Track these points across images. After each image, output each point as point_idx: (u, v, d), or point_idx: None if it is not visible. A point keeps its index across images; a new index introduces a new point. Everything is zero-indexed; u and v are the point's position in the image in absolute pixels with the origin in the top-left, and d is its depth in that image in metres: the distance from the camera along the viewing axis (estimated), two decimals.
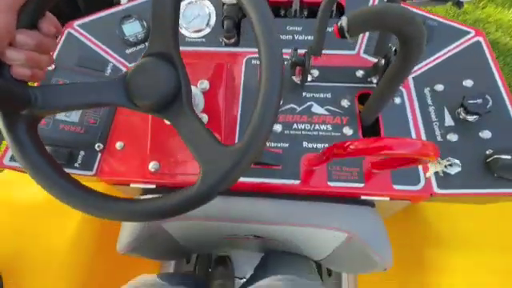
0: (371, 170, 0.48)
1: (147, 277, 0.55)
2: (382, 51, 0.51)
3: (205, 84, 0.50)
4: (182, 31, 0.61)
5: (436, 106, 0.52)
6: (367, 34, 0.60)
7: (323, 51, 0.53)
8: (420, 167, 0.49)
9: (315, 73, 0.56)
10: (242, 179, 0.49)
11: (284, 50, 0.54)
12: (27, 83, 0.33)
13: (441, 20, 0.59)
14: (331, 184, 0.48)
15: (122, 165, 0.52)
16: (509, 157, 0.45)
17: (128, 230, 0.51)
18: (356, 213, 0.50)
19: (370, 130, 0.53)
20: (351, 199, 0.51)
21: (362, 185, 0.48)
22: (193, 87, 0.45)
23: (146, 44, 0.60)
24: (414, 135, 0.51)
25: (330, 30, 0.57)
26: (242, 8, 0.31)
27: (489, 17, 1.74)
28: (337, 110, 0.53)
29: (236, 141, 0.52)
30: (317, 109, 0.54)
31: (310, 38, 0.60)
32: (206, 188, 0.30)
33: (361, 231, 0.48)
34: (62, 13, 0.87)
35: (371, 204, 0.53)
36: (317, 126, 0.52)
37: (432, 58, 0.56)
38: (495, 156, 0.46)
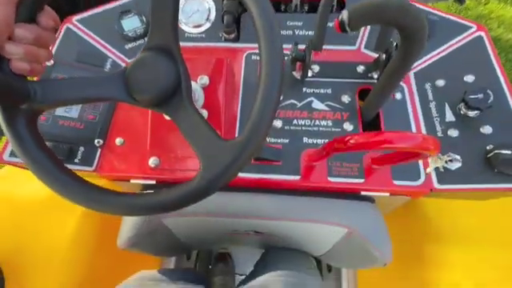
0: (371, 166, 0.48)
1: (147, 272, 0.55)
2: (383, 46, 0.51)
3: (205, 79, 0.50)
4: (182, 26, 0.61)
5: (437, 102, 0.52)
6: (368, 29, 0.59)
7: (324, 46, 0.53)
8: (420, 163, 0.49)
9: (316, 68, 0.56)
10: (242, 175, 0.49)
11: (284, 46, 0.54)
12: (26, 77, 0.33)
13: (442, 15, 0.58)
14: (331, 179, 0.48)
15: (121, 160, 0.52)
16: (509, 152, 0.45)
17: (128, 225, 0.52)
18: (356, 208, 0.50)
19: (371, 125, 0.52)
20: (351, 195, 0.51)
21: (362, 180, 0.48)
22: (192, 83, 0.45)
23: (146, 39, 0.60)
24: (414, 131, 0.51)
25: (330, 25, 0.57)
26: (243, 2, 0.31)
27: (491, 13, 1.73)
28: (337, 106, 0.53)
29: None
30: (317, 104, 0.54)
31: (310, 33, 0.60)
32: (206, 182, 0.30)
33: (361, 227, 0.48)
34: (61, 7, 0.86)
35: (371, 199, 0.53)
36: (317, 122, 0.52)
37: (433, 53, 0.56)
38: (496, 151, 0.46)
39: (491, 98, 0.47)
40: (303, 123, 0.52)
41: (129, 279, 0.52)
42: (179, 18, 0.60)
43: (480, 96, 0.47)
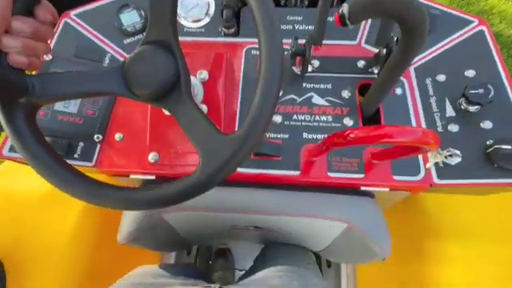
0: (371, 161, 0.48)
1: (148, 267, 0.55)
2: (384, 41, 0.50)
3: (204, 74, 0.50)
4: (181, 21, 0.60)
5: (437, 97, 0.52)
6: (369, 23, 0.59)
7: (324, 41, 0.52)
8: (420, 158, 0.49)
9: (316, 63, 0.56)
10: (242, 170, 0.49)
11: (284, 40, 0.53)
12: (24, 72, 0.32)
13: (444, 9, 0.58)
14: (331, 175, 0.48)
15: (121, 156, 0.52)
16: (509, 147, 0.45)
17: (129, 220, 0.52)
18: (356, 203, 0.51)
19: (371, 121, 0.52)
20: (351, 190, 0.51)
21: (361, 175, 0.48)
22: (192, 77, 0.45)
23: (145, 34, 0.60)
24: (414, 126, 0.51)
25: (330, 19, 0.57)
26: None
27: (493, 8, 1.71)
28: (337, 101, 0.53)
29: None
30: (317, 100, 0.53)
31: (310, 27, 0.59)
32: (206, 177, 0.30)
33: (360, 222, 0.48)
34: (59, 1, 0.85)
35: (371, 195, 0.53)
36: (317, 117, 0.52)
37: (434, 48, 0.56)
38: (496, 146, 0.46)
39: (492, 92, 0.47)
40: (303, 118, 0.52)
41: (129, 274, 0.52)
42: (178, 12, 0.60)
43: (481, 91, 0.47)
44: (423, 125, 0.50)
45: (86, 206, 0.67)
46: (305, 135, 0.51)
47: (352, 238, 0.51)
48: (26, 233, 0.62)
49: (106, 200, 0.32)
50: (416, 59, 0.55)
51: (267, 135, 0.51)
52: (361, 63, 0.55)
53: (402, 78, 0.54)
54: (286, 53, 0.55)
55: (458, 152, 0.45)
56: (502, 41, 1.59)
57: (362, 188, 0.50)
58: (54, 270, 0.61)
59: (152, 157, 0.50)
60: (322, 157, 0.48)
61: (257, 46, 0.31)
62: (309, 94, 0.54)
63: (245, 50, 0.58)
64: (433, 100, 0.52)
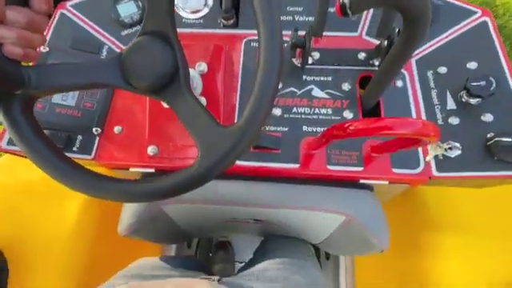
0: (371, 154, 0.48)
1: (148, 259, 0.56)
2: (385, 32, 0.50)
3: (203, 66, 0.49)
4: (179, 12, 0.59)
5: (438, 90, 0.52)
6: (370, 14, 0.58)
7: (324, 33, 0.52)
8: (420, 151, 0.49)
9: (316, 55, 0.55)
10: (241, 163, 0.49)
11: (284, 32, 0.53)
12: (20, 63, 0.32)
13: None
14: (330, 168, 0.48)
15: (120, 149, 0.52)
16: (509, 139, 0.45)
17: (129, 212, 0.52)
18: (355, 196, 0.51)
19: (371, 114, 0.52)
20: (350, 183, 0.51)
21: (361, 168, 0.48)
22: (190, 70, 0.44)
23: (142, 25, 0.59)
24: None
25: (331, 10, 0.56)
26: None
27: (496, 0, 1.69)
28: (337, 94, 0.52)
29: None
30: (317, 92, 0.53)
31: (310, 19, 0.58)
32: (204, 169, 0.30)
33: (359, 214, 0.49)
34: None
35: (370, 188, 0.53)
36: (317, 110, 0.52)
37: (436, 40, 0.55)
38: (496, 139, 0.45)
39: (493, 85, 0.46)
40: (303, 111, 0.52)
41: (129, 266, 0.53)
42: (176, 2, 0.58)
43: (482, 83, 0.47)
44: (423, 117, 0.50)
45: (86, 199, 0.68)
46: (304, 128, 0.51)
47: (351, 231, 0.51)
48: (27, 226, 0.62)
49: (105, 192, 0.32)
50: (417, 51, 0.55)
51: (267, 128, 0.51)
52: (362, 55, 0.54)
53: (403, 70, 0.53)
54: (285, 44, 0.54)
55: (457, 145, 0.45)
56: (506, 33, 1.57)
57: (361, 181, 0.50)
58: (55, 261, 0.62)
59: (151, 150, 0.50)
60: (322, 150, 0.48)
61: (256, 37, 0.31)
62: (309, 87, 0.53)
63: (244, 41, 0.57)
64: (434, 92, 0.51)
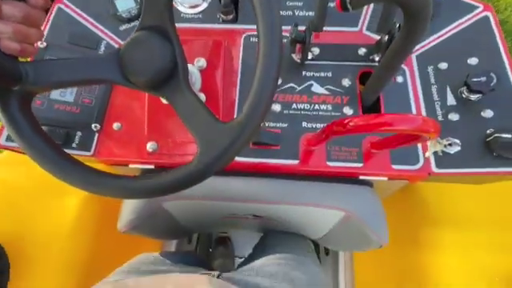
0: (370, 150, 0.48)
1: (148, 255, 0.56)
2: (386, 27, 0.49)
3: (202, 62, 0.49)
4: (177, 6, 0.59)
5: (439, 85, 0.51)
6: (370, 9, 0.57)
7: (324, 28, 0.51)
8: (419, 147, 0.48)
9: (316, 51, 0.54)
10: (240, 159, 0.49)
11: (284, 27, 0.52)
12: (18, 59, 0.32)
13: None
14: (330, 164, 0.48)
15: (119, 145, 0.52)
16: (509, 135, 0.45)
17: (129, 209, 0.52)
18: (354, 192, 0.51)
19: (371, 110, 0.52)
20: (350, 179, 0.51)
21: (360, 165, 0.48)
22: (189, 65, 0.44)
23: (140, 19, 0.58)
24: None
25: (332, 5, 0.55)
26: None
27: None
28: (337, 90, 0.52)
29: None
30: (317, 88, 0.53)
31: (310, 13, 0.58)
32: (203, 165, 0.30)
33: (359, 210, 0.49)
34: None
35: (369, 184, 0.53)
36: (316, 106, 0.52)
37: (437, 35, 0.54)
38: (495, 135, 0.45)
39: (494, 80, 0.46)
40: (302, 107, 0.52)
41: (129, 261, 0.53)
42: None
43: (483, 79, 0.46)
44: (424, 113, 0.50)
45: (86, 195, 0.68)
46: (304, 124, 0.51)
47: (350, 227, 0.51)
48: (27, 222, 0.62)
49: (105, 188, 0.32)
50: (418, 46, 0.54)
51: (266, 124, 0.51)
52: (362, 51, 0.54)
53: (403, 65, 0.53)
54: (285, 40, 0.54)
55: (457, 141, 0.45)
56: (507, 28, 1.56)
57: (361, 177, 0.50)
58: (56, 257, 0.62)
59: (150, 146, 0.49)
60: (321, 146, 0.48)
61: (256, 33, 0.31)
62: (308, 83, 0.53)
63: (243, 36, 0.57)
64: (434, 88, 0.51)
